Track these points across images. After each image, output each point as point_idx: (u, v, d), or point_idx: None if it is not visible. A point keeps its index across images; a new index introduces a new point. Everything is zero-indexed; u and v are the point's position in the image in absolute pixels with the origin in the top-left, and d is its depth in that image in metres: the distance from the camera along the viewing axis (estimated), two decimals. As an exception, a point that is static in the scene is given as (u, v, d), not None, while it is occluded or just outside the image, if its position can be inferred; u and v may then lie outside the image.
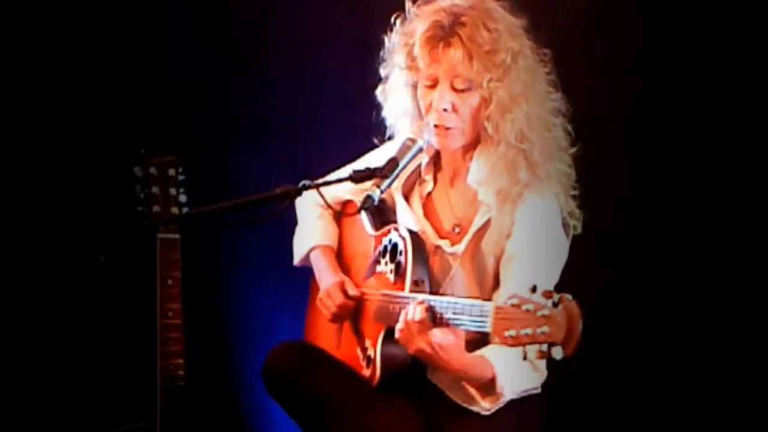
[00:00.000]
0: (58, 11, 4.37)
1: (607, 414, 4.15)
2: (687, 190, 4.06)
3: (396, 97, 3.39)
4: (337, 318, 3.43)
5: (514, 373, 3.16)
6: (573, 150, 3.34)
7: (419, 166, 3.44)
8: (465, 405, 3.26)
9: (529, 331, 2.78)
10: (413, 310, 3.07)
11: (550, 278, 3.20)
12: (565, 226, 3.31)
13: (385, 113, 3.44)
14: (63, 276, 4.34)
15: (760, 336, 3.98)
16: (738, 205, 3.99)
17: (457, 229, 3.35)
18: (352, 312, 3.43)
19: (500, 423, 3.22)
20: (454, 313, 3.03)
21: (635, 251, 4.11)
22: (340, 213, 3.60)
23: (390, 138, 3.47)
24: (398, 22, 3.34)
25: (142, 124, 4.37)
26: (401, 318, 3.10)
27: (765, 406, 3.97)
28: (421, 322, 3.05)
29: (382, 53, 3.39)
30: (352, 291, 3.41)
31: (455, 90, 3.25)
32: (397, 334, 3.11)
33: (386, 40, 3.36)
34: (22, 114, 4.35)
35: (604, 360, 3.97)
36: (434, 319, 3.06)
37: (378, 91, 3.43)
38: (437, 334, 3.05)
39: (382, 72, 3.41)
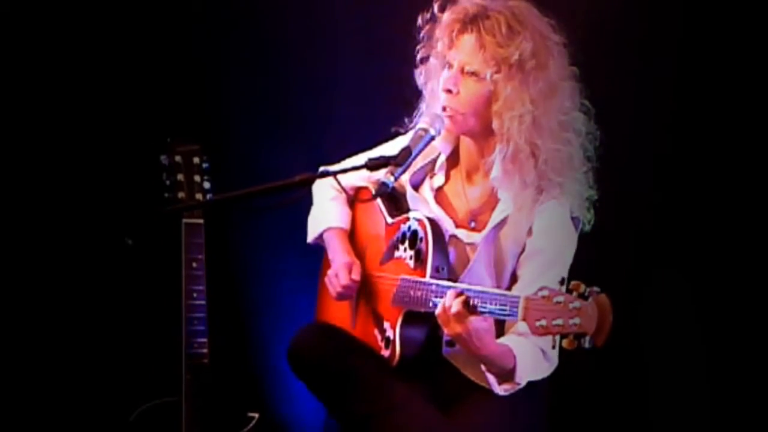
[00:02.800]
0: (85, 2, 4.42)
1: (607, 400, 4.22)
2: (692, 194, 4.11)
3: (434, 76, 3.41)
4: (341, 297, 3.49)
5: (531, 364, 3.24)
6: (584, 169, 3.35)
7: (432, 162, 3.48)
8: (479, 382, 3.34)
9: (560, 322, 2.86)
10: (452, 298, 3.10)
11: (563, 275, 3.23)
12: (575, 221, 3.37)
13: (426, 93, 3.45)
14: (94, 258, 4.39)
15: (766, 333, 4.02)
16: (744, 207, 4.04)
17: (473, 223, 3.41)
18: (355, 292, 3.49)
19: (511, 399, 3.28)
20: (482, 302, 3.07)
21: (640, 251, 4.15)
22: (354, 198, 3.65)
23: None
24: (436, 5, 3.37)
25: (168, 115, 4.41)
26: (443, 302, 3.12)
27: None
28: (459, 309, 3.08)
29: (422, 34, 3.41)
30: (355, 274, 3.46)
31: (464, 75, 3.29)
32: (438, 315, 3.14)
33: (420, 21, 3.40)
34: (56, 105, 4.40)
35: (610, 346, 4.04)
36: (469, 307, 3.10)
37: (416, 72, 3.46)
38: (474, 321, 3.09)
39: (421, 53, 3.43)
